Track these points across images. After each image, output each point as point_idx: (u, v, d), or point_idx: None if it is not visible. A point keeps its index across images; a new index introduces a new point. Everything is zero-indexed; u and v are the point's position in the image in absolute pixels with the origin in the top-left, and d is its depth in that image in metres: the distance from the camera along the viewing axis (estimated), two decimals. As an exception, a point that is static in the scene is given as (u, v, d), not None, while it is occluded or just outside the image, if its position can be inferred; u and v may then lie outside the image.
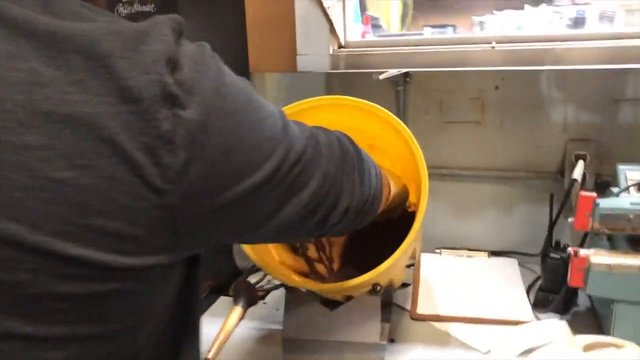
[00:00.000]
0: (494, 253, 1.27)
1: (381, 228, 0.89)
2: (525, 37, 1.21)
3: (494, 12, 1.60)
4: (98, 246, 0.38)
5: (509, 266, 1.22)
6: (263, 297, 1.14)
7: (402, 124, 0.80)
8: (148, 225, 0.40)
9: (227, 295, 1.14)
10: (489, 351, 0.91)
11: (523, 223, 1.25)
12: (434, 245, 1.31)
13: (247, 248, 0.79)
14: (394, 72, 1.14)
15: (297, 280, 0.81)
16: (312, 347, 0.82)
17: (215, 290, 1.15)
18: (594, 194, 0.86)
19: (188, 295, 0.51)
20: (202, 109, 0.41)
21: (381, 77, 1.09)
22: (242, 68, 1.23)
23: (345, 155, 0.58)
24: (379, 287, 0.82)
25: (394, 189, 0.80)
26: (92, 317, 0.41)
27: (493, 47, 1.21)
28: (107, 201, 0.38)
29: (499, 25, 1.48)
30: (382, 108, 0.81)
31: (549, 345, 0.84)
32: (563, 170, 1.17)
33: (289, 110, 0.82)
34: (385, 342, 0.95)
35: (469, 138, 1.25)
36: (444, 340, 0.97)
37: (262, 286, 1.17)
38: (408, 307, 1.07)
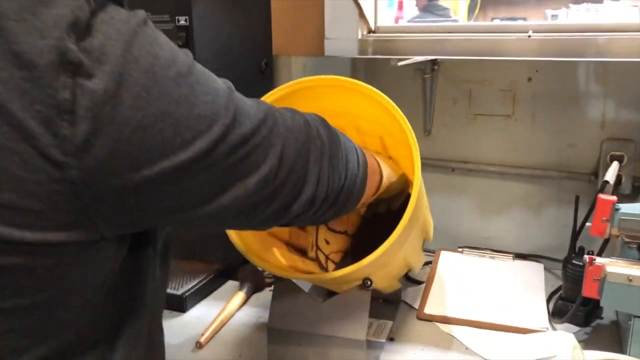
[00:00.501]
0: (519, 256, 1.20)
1: (385, 221, 0.85)
2: (565, 27, 1.13)
3: (570, 5, 1.51)
4: None
5: (534, 271, 1.15)
6: (270, 285, 1.12)
7: (396, 107, 0.75)
8: (47, 199, 0.38)
9: (235, 280, 1.13)
10: None
11: (552, 226, 1.17)
12: (456, 243, 1.25)
13: (231, 232, 0.76)
14: (418, 59, 1.09)
15: (283, 270, 0.78)
16: (296, 339, 0.79)
17: (224, 274, 1.13)
18: (614, 198, 0.78)
19: (132, 275, 0.50)
20: (112, 79, 0.38)
21: (399, 63, 1.03)
22: (265, 50, 1.20)
23: (312, 140, 0.54)
24: (369, 282, 0.77)
25: (389, 177, 0.75)
26: (2, 289, 0.40)
27: (529, 36, 1.13)
28: None
29: (574, 18, 1.39)
30: (378, 91, 0.76)
31: (553, 359, 0.77)
32: (597, 171, 1.08)
33: (284, 90, 0.78)
34: (383, 340, 0.92)
35: (497, 132, 1.17)
36: (446, 343, 0.92)
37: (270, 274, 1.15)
38: (417, 306, 1.03)
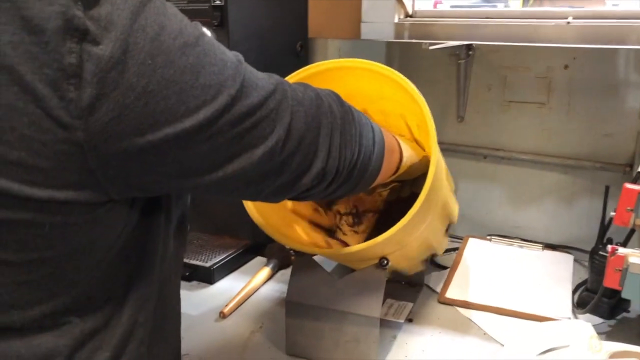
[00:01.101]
0: (550, 246, 1.18)
1: (409, 205, 0.85)
2: (606, 13, 1.10)
3: (632, -7, 1.45)
4: (2, 174, 0.39)
5: (562, 262, 1.13)
6: (297, 262, 1.15)
7: (413, 86, 0.75)
8: (54, 158, 0.40)
9: (263, 256, 1.16)
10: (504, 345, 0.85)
11: (584, 217, 1.15)
12: (485, 231, 1.24)
13: (248, 203, 0.79)
14: (450, 43, 1.08)
15: (302, 244, 0.79)
16: (313, 313, 0.81)
17: (253, 250, 1.17)
18: (639, 187, 0.76)
19: (143, 241, 0.52)
20: (118, 46, 0.39)
21: (431, 47, 1.03)
22: (301, 33, 1.22)
23: (323, 114, 0.55)
24: (385, 262, 0.79)
25: (410, 158, 0.76)
26: (9, 244, 0.42)
27: (568, 23, 1.10)
28: (6, 130, 0.39)
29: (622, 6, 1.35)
30: (395, 71, 0.76)
31: (569, 347, 0.77)
32: (633, 162, 1.06)
33: (305, 72, 0.80)
34: (401, 321, 0.93)
35: (532, 120, 1.16)
36: (465, 327, 0.92)
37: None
38: (439, 290, 1.03)
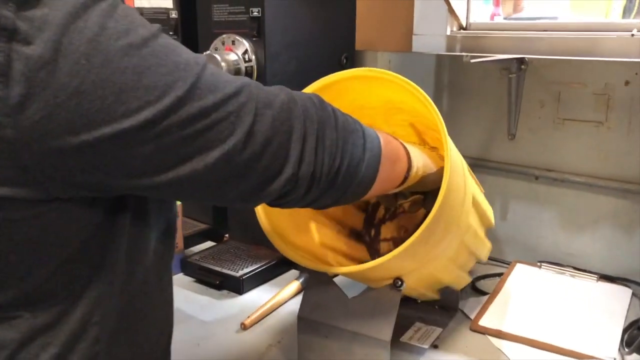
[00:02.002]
0: (606, 277, 1.08)
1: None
2: (675, 25, 1.00)
3: None
4: None
5: (618, 295, 1.03)
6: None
7: (428, 98, 0.71)
8: None
9: (297, 269, 1.15)
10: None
11: (645, 247, 1.04)
12: (535, 257, 1.16)
13: (259, 210, 0.77)
14: (496, 57, 1.03)
15: (305, 260, 0.77)
16: (324, 330, 0.78)
17: (287, 262, 1.15)
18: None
19: (106, 240, 0.52)
20: (49, 46, 0.40)
21: (472, 61, 0.98)
22: (347, 45, 1.21)
23: (295, 118, 0.53)
24: (399, 282, 0.75)
25: (425, 168, 0.72)
26: None
27: (632, 35, 1.02)
28: None
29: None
30: (413, 83, 0.73)
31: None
32: (700, 190, 0.95)
33: (325, 80, 0.78)
34: (425, 347, 0.88)
35: (587, 140, 1.07)
36: (493, 358, 0.86)
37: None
38: (473, 316, 0.97)
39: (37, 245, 0.47)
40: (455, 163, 0.72)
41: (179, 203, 1.16)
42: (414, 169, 0.69)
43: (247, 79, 0.52)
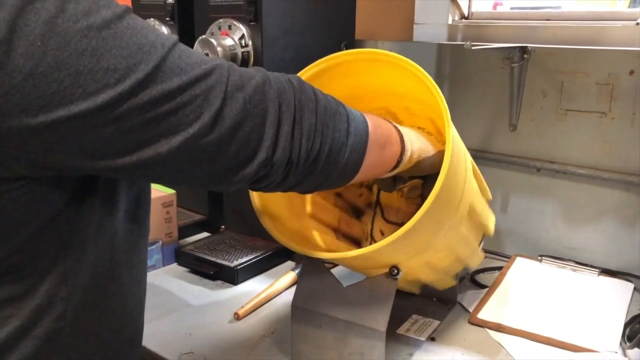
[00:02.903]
0: (607, 272, 1.06)
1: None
2: (681, 13, 0.98)
3: None
4: None
5: (620, 290, 1.01)
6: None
7: (433, 82, 0.69)
8: None
9: (293, 260, 1.13)
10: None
11: (648, 241, 1.02)
12: (535, 250, 1.14)
13: (253, 196, 0.76)
14: (496, 45, 1.01)
15: (292, 244, 0.74)
16: (318, 320, 0.76)
17: (283, 253, 1.13)
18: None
19: (74, 218, 0.52)
20: (5, 26, 0.40)
21: (473, 47, 0.96)
22: (346, 33, 1.18)
23: (269, 100, 0.51)
24: (395, 271, 0.73)
25: (420, 151, 0.70)
26: None
27: (638, 24, 1.00)
28: None
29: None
30: (417, 65, 0.70)
31: (601, 383, 0.67)
32: None
33: (317, 66, 0.76)
34: (422, 339, 0.86)
35: (591, 131, 1.05)
36: (492, 351, 0.84)
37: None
38: (472, 309, 0.95)
39: (2, 221, 0.47)
40: (457, 146, 0.70)
41: (172, 191, 1.14)
42: (407, 153, 0.67)
43: (221, 60, 0.51)
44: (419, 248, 0.73)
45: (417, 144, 0.69)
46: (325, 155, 0.55)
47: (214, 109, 0.48)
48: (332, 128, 0.56)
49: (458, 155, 0.70)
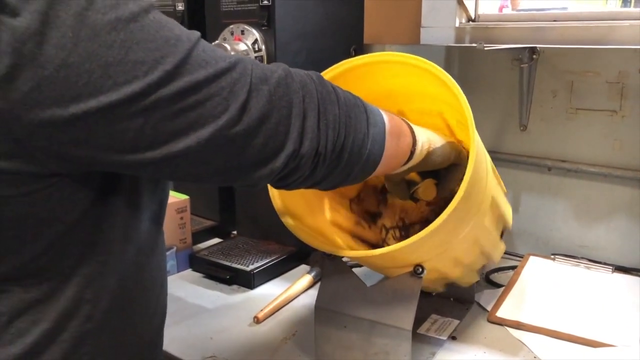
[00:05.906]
0: (621, 269, 1.07)
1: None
2: (689, 11, 0.99)
3: None
4: None
5: (634, 286, 1.02)
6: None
7: (449, 76, 0.70)
8: None
9: (308, 264, 1.13)
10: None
11: (661, 238, 1.03)
12: (548, 249, 1.15)
13: (272, 190, 0.76)
14: (508, 46, 1.02)
15: (318, 242, 0.75)
16: (341, 321, 0.76)
17: (298, 257, 1.14)
18: None
19: (100, 218, 0.52)
20: (36, 18, 0.40)
21: (486, 48, 0.97)
22: (356, 37, 1.19)
23: (293, 93, 0.52)
24: (420, 269, 0.73)
25: (429, 142, 0.71)
26: None
27: (646, 23, 1.01)
28: None
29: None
30: (435, 65, 0.72)
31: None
32: None
33: (342, 66, 0.77)
34: (443, 338, 0.87)
35: (602, 129, 1.06)
36: (513, 349, 0.84)
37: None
38: (490, 308, 0.95)
39: (29, 222, 0.47)
40: (479, 139, 0.71)
41: (185, 197, 1.14)
42: (419, 144, 0.68)
43: (242, 56, 0.51)
44: (445, 244, 0.74)
45: (425, 135, 0.70)
46: (350, 146, 0.56)
47: (240, 101, 0.48)
48: (354, 119, 0.56)
49: (481, 146, 0.71)
